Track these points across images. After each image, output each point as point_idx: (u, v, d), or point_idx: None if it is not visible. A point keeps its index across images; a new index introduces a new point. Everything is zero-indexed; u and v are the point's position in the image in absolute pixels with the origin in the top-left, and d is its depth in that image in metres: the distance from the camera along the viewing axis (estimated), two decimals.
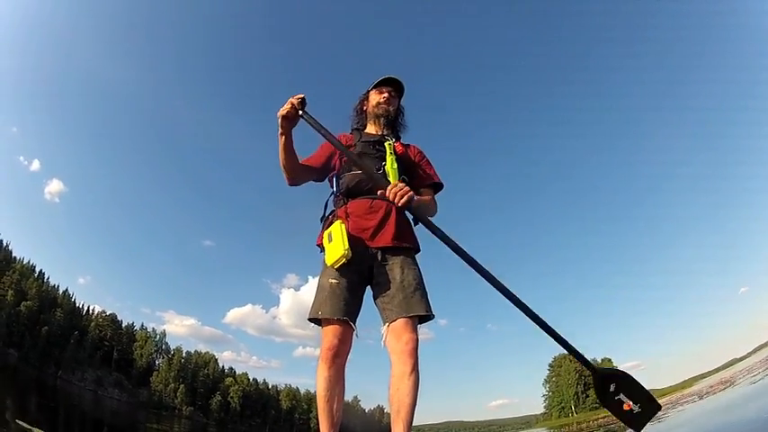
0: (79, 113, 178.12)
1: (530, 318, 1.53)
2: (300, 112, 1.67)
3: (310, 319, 1.65)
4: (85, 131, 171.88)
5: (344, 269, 1.62)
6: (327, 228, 1.69)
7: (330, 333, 1.57)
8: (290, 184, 1.85)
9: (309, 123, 1.68)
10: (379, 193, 1.64)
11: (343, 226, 1.63)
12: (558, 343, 1.54)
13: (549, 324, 1.54)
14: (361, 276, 1.68)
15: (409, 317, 1.55)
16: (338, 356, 1.57)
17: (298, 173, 1.84)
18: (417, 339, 1.53)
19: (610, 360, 66.25)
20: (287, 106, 1.66)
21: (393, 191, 1.57)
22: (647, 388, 1.50)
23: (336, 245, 1.59)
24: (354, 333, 1.62)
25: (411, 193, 1.59)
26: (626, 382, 1.52)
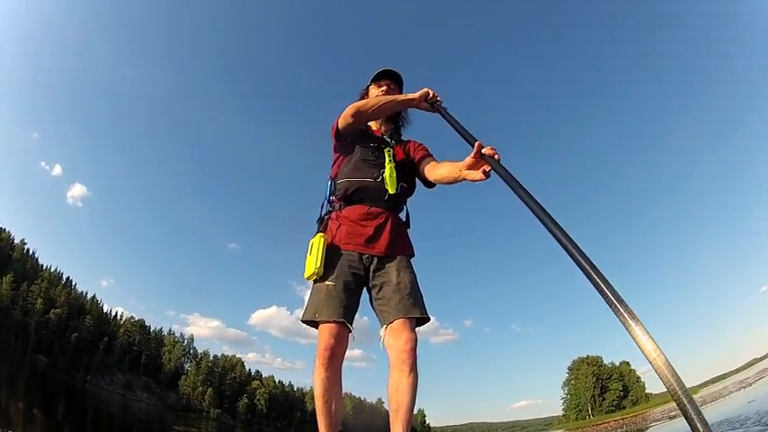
0: (100, 116, 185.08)
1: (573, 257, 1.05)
2: (437, 108, 1.73)
3: (305, 321, 1.63)
4: (107, 134, 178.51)
5: (341, 272, 1.63)
6: (316, 234, 1.71)
7: (327, 334, 1.54)
8: (344, 133, 1.82)
9: (445, 118, 1.67)
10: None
11: (324, 240, 1.65)
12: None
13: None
14: (357, 279, 1.67)
15: (407, 318, 1.55)
16: (335, 357, 1.54)
17: (361, 126, 1.88)
18: (416, 339, 1.54)
19: (628, 363, 67.91)
20: (434, 95, 1.76)
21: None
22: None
23: (311, 260, 1.62)
24: (351, 335, 1.60)
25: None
26: None
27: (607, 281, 0.89)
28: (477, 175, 1.46)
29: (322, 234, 1.67)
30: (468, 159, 1.47)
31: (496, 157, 1.37)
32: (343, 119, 1.78)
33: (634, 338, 0.79)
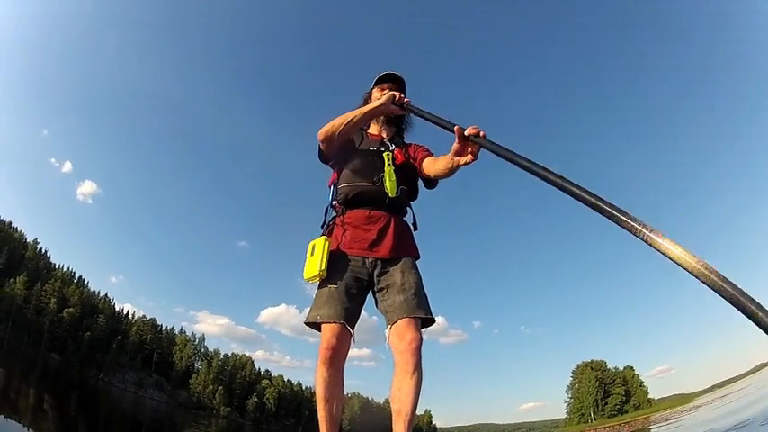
0: (111, 114, 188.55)
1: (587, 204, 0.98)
2: (407, 108, 1.75)
3: (308, 324, 1.64)
4: (118, 132, 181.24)
5: (343, 276, 1.64)
6: (321, 237, 1.72)
7: (329, 334, 1.56)
8: (327, 154, 1.86)
9: (418, 115, 1.68)
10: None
11: (328, 243, 1.66)
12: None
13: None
14: (360, 283, 1.68)
15: (412, 318, 1.56)
16: (336, 357, 1.55)
17: (338, 146, 1.84)
18: (421, 339, 1.55)
19: (632, 368, 68.75)
20: (401, 97, 1.77)
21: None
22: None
23: (314, 261, 1.62)
24: (352, 338, 1.61)
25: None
26: None
27: (620, 209, 0.82)
28: (466, 158, 1.45)
29: (325, 237, 1.69)
30: (455, 146, 1.45)
31: (481, 134, 1.34)
32: (321, 145, 1.83)
33: (660, 251, 0.71)
